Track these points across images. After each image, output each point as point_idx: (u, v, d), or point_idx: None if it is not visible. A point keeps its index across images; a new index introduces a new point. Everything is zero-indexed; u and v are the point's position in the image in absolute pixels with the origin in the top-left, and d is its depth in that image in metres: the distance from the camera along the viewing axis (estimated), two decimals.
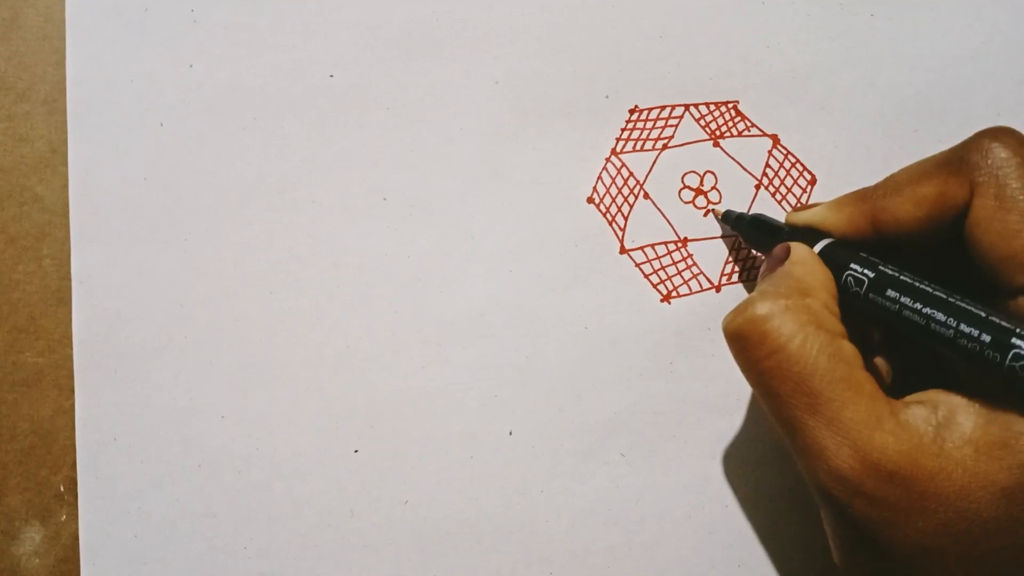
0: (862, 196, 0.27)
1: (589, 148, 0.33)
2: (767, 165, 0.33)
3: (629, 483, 0.32)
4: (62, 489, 0.31)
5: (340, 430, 0.31)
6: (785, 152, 0.33)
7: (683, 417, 0.33)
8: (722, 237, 0.33)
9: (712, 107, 0.33)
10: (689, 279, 0.33)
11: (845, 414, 0.23)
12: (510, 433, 0.32)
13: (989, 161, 0.24)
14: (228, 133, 0.32)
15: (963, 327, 0.23)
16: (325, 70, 0.32)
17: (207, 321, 0.31)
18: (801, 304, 0.25)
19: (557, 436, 0.32)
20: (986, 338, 0.22)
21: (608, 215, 0.33)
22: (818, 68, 0.34)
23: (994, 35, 0.34)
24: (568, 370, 0.32)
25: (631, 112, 0.33)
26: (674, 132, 0.33)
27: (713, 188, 0.33)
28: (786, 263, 0.27)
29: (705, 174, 0.33)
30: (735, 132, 0.33)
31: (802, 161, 0.33)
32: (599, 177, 0.33)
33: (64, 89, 0.31)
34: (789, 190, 0.33)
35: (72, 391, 0.31)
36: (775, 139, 0.33)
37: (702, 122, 0.33)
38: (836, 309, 0.26)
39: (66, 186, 0.31)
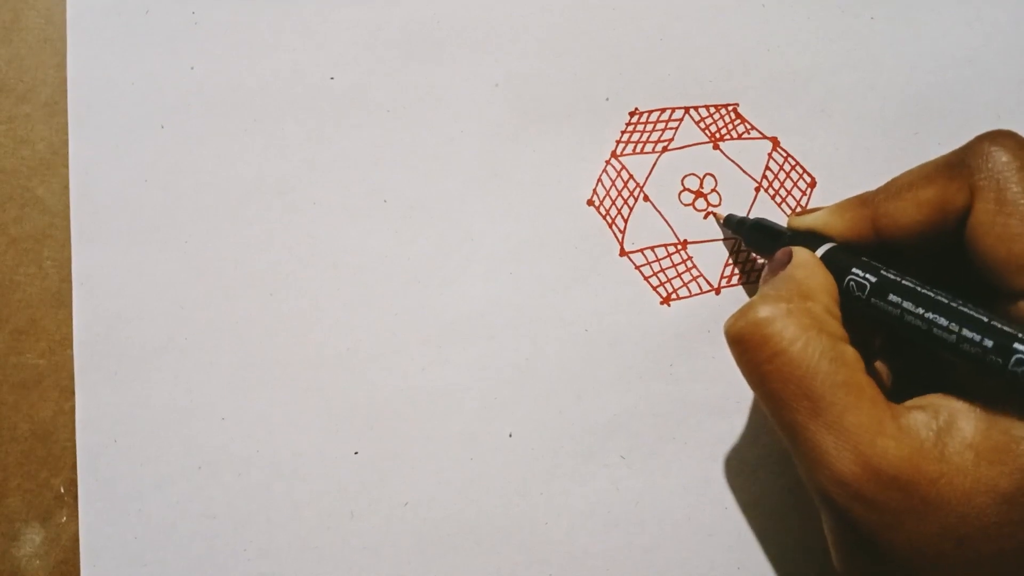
0: (863, 200, 0.27)
1: (589, 150, 0.33)
2: (767, 167, 0.33)
3: (629, 485, 0.32)
4: (62, 490, 0.31)
5: (340, 431, 0.31)
6: (785, 155, 0.33)
7: (683, 419, 0.33)
8: (723, 240, 0.33)
9: (712, 109, 0.33)
10: (689, 281, 0.33)
11: (846, 418, 0.23)
12: (510, 435, 0.32)
13: (989, 165, 0.24)
14: (228, 134, 0.32)
15: (965, 332, 0.23)
16: (325, 71, 0.32)
17: (207, 322, 0.31)
18: (803, 308, 0.25)
19: (557, 438, 0.32)
20: (988, 343, 0.22)
21: (608, 217, 0.33)
22: (818, 70, 0.34)
23: (994, 36, 0.34)
24: (568, 372, 0.32)
25: (631, 114, 0.33)
26: (674, 134, 0.33)
27: (713, 191, 0.33)
28: (788, 267, 0.27)
29: (705, 176, 0.33)
30: (735, 134, 0.33)
31: (802, 164, 0.33)
32: (599, 179, 0.33)
33: (65, 91, 0.31)
34: (789, 192, 0.33)
35: (72, 392, 0.31)
36: (775, 141, 0.33)
37: (702, 124, 0.33)
38: (838, 313, 0.26)
39: (67, 188, 0.31)
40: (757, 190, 0.33)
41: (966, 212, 0.24)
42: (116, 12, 0.31)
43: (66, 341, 0.31)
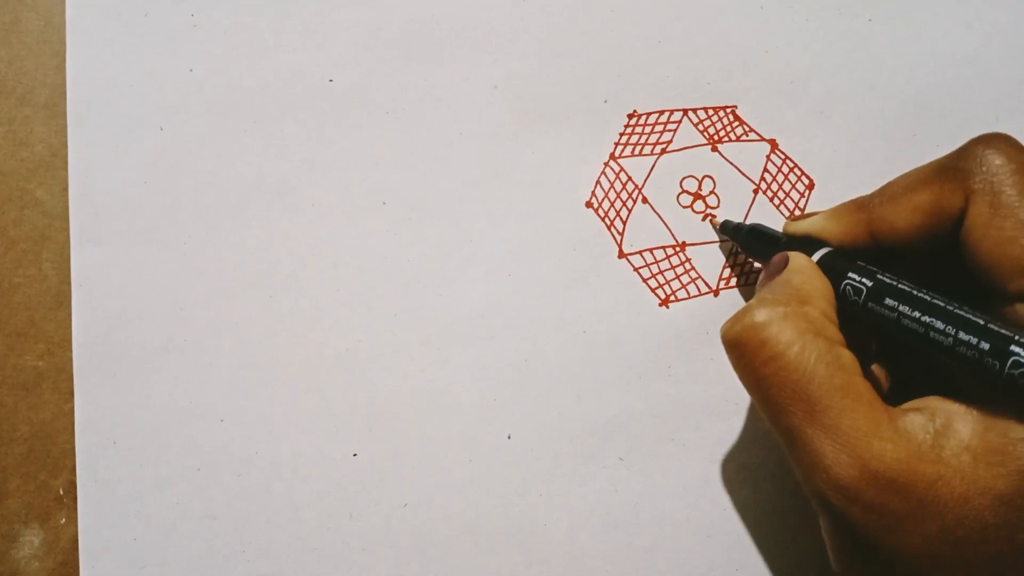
0: (859, 205, 0.27)
1: (588, 152, 0.33)
2: (765, 169, 0.33)
3: (628, 486, 0.32)
4: (61, 492, 0.31)
5: (339, 432, 0.31)
6: (783, 157, 0.33)
7: (682, 420, 0.33)
8: (721, 242, 0.33)
9: (710, 112, 0.33)
10: (687, 283, 0.33)
11: (843, 422, 0.23)
12: (509, 436, 0.32)
13: (983, 168, 0.24)
14: (228, 136, 0.32)
15: (962, 335, 0.23)
16: (325, 73, 0.32)
17: (207, 323, 0.31)
18: (800, 311, 0.25)
19: (556, 439, 0.32)
20: (985, 346, 0.22)
21: (607, 219, 0.33)
22: (816, 72, 0.34)
23: (993, 37, 0.34)
24: (567, 373, 0.32)
25: (630, 116, 0.33)
26: (672, 136, 0.33)
27: (711, 192, 0.33)
28: (784, 272, 0.27)
29: (703, 179, 0.33)
30: (733, 137, 0.33)
31: (800, 166, 0.33)
32: (597, 181, 0.33)
33: (64, 93, 0.31)
34: (787, 195, 0.33)
35: (72, 394, 0.31)
36: (773, 143, 0.33)
37: (700, 127, 0.33)
38: (835, 317, 0.26)
39: (66, 189, 0.31)
40: (755, 192, 0.33)
41: (961, 216, 0.24)
42: (115, 14, 0.31)
43: (65, 342, 0.31)
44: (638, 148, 0.33)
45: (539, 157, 0.33)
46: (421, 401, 0.32)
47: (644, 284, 0.33)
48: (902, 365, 0.29)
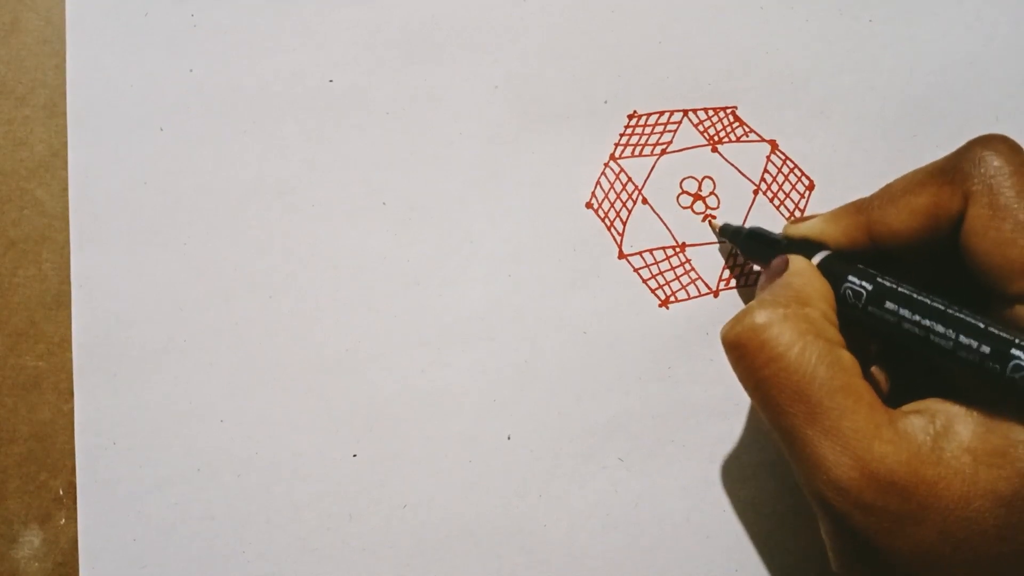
0: (858, 208, 0.27)
1: (588, 153, 0.33)
2: (765, 170, 0.33)
3: (628, 487, 0.32)
4: (61, 493, 0.31)
5: (339, 433, 0.31)
6: (783, 157, 0.33)
7: (682, 421, 0.33)
8: (718, 243, 0.33)
9: (711, 112, 0.33)
10: (687, 284, 0.33)
11: (844, 423, 0.23)
12: (509, 437, 0.32)
13: (982, 170, 0.24)
14: (228, 136, 0.32)
15: (962, 339, 0.23)
16: (325, 73, 0.32)
17: (206, 324, 0.31)
18: (800, 313, 0.25)
19: (556, 439, 0.32)
20: (986, 349, 0.22)
21: (607, 220, 0.33)
22: (817, 73, 0.34)
23: (993, 38, 0.34)
24: (567, 373, 0.32)
25: (630, 117, 0.33)
26: (672, 137, 0.33)
27: (711, 193, 0.33)
28: (784, 274, 0.27)
29: (703, 179, 0.33)
30: (733, 137, 0.33)
31: (800, 167, 0.33)
32: (597, 182, 0.33)
33: (64, 93, 0.31)
34: (787, 195, 0.33)
35: (71, 394, 0.31)
36: (773, 144, 0.33)
37: (700, 127, 0.33)
38: (835, 319, 0.26)
39: (66, 190, 0.31)
40: (756, 193, 0.33)
41: (960, 217, 0.24)
42: (115, 14, 0.31)
43: (65, 343, 0.31)
44: (638, 149, 0.33)
45: (539, 158, 0.33)
46: (421, 401, 0.32)
47: (644, 285, 0.33)
48: (902, 367, 0.29)
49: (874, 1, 0.34)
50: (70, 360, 0.31)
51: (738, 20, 0.33)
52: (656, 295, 0.33)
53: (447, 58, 0.32)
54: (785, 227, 0.30)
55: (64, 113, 0.31)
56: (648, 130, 0.33)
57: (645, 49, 0.33)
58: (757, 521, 0.33)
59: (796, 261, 0.27)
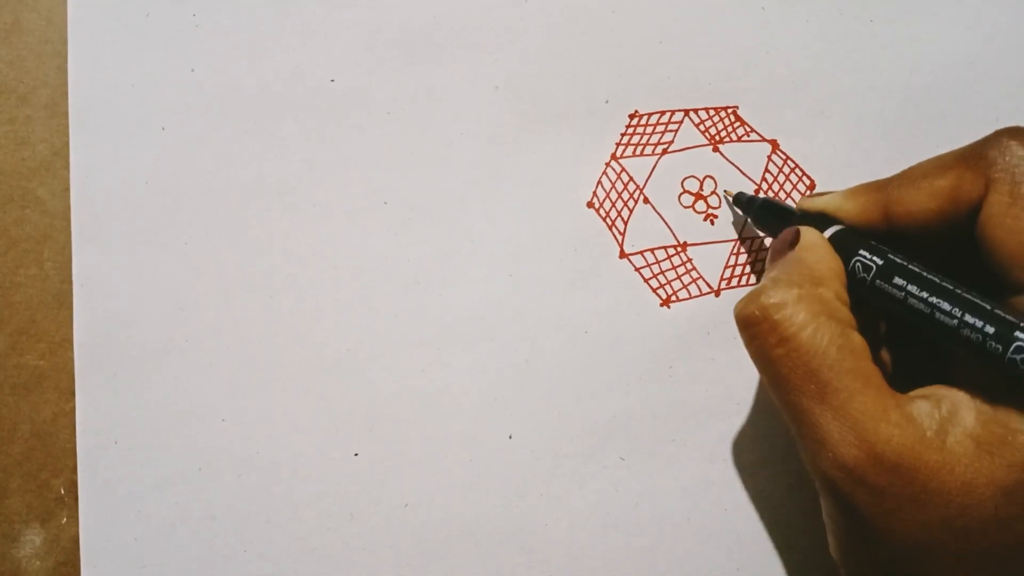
0: (877, 186, 0.27)
1: (589, 152, 0.33)
2: (766, 170, 0.33)
3: (628, 486, 0.32)
4: (62, 492, 0.31)
5: (340, 433, 0.31)
6: (784, 157, 0.34)
7: (682, 421, 0.33)
8: (722, 242, 0.33)
9: (712, 112, 0.33)
10: (688, 283, 0.33)
11: (852, 404, 0.23)
12: (509, 436, 0.32)
13: (1007, 158, 0.24)
14: (229, 136, 0.32)
15: (967, 317, 0.23)
16: (325, 73, 0.32)
17: (207, 324, 0.31)
18: (814, 293, 0.25)
19: (556, 439, 0.32)
20: (989, 329, 0.22)
21: (608, 219, 0.33)
22: (817, 73, 0.34)
23: (993, 38, 0.34)
24: (568, 373, 0.32)
25: (631, 117, 0.33)
26: (674, 137, 0.33)
27: (713, 193, 0.33)
28: (797, 248, 0.27)
29: (705, 179, 0.33)
30: (734, 137, 0.33)
31: (801, 166, 0.34)
32: (599, 182, 0.33)
33: (65, 92, 0.31)
34: (788, 195, 0.33)
35: (73, 394, 0.31)
36: (774, 144, 0.34)
37: (702, 127, 0.33)
38: (847, 299, 0.26)
39: (67, 189, 0.31)
40: (756, 192, 0.33)
41: (979, 204, 0.25)
42: (117, 14, 0.31)
43: (66, 342, 0.31)
44: (639, 148, 0.33)
45: (540, 157, 0.33)
46: (421, 401, 0.32)
47: (645, 284, 0.33)
48: (907, 353, 0.29)
49: (874, 1, 0.34)
50: (71, 359, 0.31)
51: (739, 20, 0.33)
52: (657, 295, 0.33)
53: (447, 58, 0.32)
54: (800, 201, 0.30)
55: (66, 113, 0.31)
56: (649, 130, 0.33)
57: (646, 49, 0.33)
58: (758, 520, 0.33)
59: (809, 234, 0.27)
